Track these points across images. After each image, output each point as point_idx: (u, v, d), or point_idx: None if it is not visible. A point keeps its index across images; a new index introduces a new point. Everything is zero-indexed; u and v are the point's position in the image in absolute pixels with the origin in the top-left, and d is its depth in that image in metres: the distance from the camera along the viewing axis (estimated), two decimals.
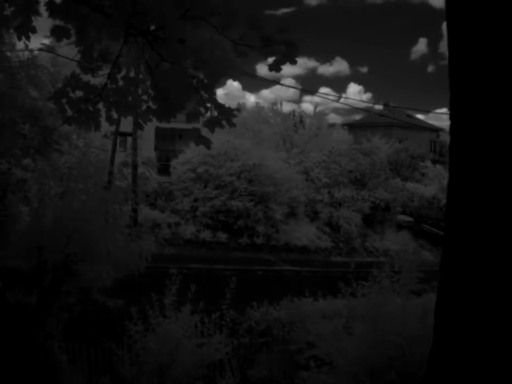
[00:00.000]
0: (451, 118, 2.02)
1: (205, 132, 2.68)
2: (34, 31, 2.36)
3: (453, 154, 2.02)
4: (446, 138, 38.10)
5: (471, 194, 1.91)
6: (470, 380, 1.89)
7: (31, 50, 5.77)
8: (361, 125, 39.79)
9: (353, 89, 72.19)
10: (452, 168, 2.03)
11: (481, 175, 1.88)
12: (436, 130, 42.37)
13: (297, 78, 75.49)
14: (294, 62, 2.13)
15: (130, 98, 2.46)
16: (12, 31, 2.43)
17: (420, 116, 43.85)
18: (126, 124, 16.36)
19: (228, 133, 20.76)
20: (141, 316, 6.55)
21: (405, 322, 5.13)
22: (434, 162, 32.05)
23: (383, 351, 5.08)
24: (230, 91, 62.22)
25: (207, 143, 2.52)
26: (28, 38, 2.37)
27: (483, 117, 1.86)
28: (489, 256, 1.85)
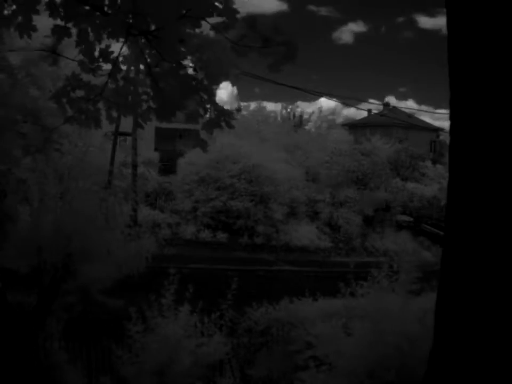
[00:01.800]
0: (451, 118, 2.02)
1: (203, 132, 2.69)
2: (35, 29, 2.36)
3: (453, 154, 2.02)
4: (446, 138, 38.12)
5: (471, 195, 1.91)
6: (470, 379, 1.89)
7: (31, 50, 5.77)
8: (362, 125, 39.80)
9: None
10: (451, 168, 2.03)
11: (481, 175, 1.88)
12: (436, 130, 42.39)
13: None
14: (293, 62, 2.13)
15: (130, 98, 2.46)
16: (12, 30, 2.43)
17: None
18: (126, 124, 16.37)
19: (229, 133, 20.78)
20: (141, 316, 6.55)
21: (404, 322, 5.12)
22: (434, 162, 32.05)
23: (382, 351, 5.08)
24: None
25: (204, 145, 2.54)
26: (30, 37, 2.37)
27: (483, 117, 1.86)
28: (489, 256, 1.85)
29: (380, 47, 75.01)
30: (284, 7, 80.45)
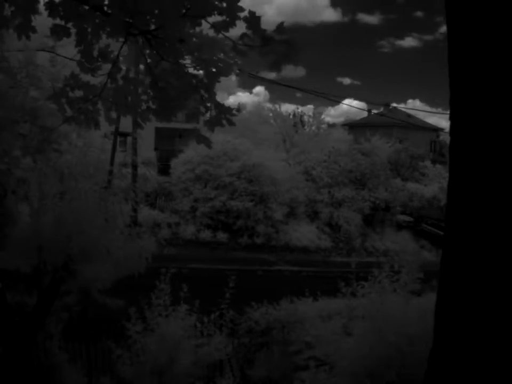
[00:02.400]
0: (451, 118, 2.02)
1: (204, 131, 2.70)
2: (34, 30, 2.36)
3: (453, 154, 2.01)
4: (446, 138, 38.13)
5: (471, 195, 1.91)
6: (470, 379, 1.89)
7: (31, 50, 5.77)
8: (362, 125, 39.80)
9: None
10: (452, 168, 2.03)
11: (481, 175, 1.87)
12: (436, 130, 42.41)
13: None
14: (293, 62, 2.14)
15: (130, 98, 2.46)
16: (11, 30, 2.42)
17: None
18: (126, 124, 16.36)
19: (228, 132, 20.80)
20: (141, 316, 6.56)
21: (405, 322, 5.12)
22: (434, 162, 32.06)
23: (383, 351, 5.07)
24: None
25: (208, 142, 2.55)
26: (28, 38, 2.36)
27: (483, 117, 1.86)
28: (489, 256, 1.85)
29: (421, 56, 77.84)
30: (340, 17, 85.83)
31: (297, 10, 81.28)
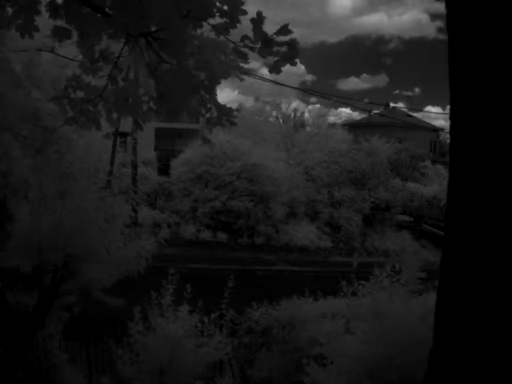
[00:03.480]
0: (451, 118, 2.02)
1: (206, 132, 2.72)
2: (37, 29, 2.36)
3: (453, 154, 2.02)
4: (446, 138, 38.16)
5: (471, 194, 1.92)
6: (470, 379, 1.90)
7: (32, 51, 5.77)
8: (362, 125, 39.80)
9: None
10: (452, 168, 2.03)
11: (481, 175, 1.88)
12: (436, 130, 42.41)
13: None
14: (294, 63, 2.15)
15: (130, 99, 2.47)
16: (13, 30, 2.43)
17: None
18: (127, 124, 16.34)
19: (228, 132, 20.80)
20: (141, 316, 6.56)
21: (405, 322, 5.12)
22: (434, 162, 32.06)
23: (383, 350, 5.07)
24: None
25: (208, 142, 2.58)
26: (31, 37, 2.37)
27: (483, 117, 1.87)
28: (489, 256, 1.85)
29: None
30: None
31: (415, 25, 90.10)
